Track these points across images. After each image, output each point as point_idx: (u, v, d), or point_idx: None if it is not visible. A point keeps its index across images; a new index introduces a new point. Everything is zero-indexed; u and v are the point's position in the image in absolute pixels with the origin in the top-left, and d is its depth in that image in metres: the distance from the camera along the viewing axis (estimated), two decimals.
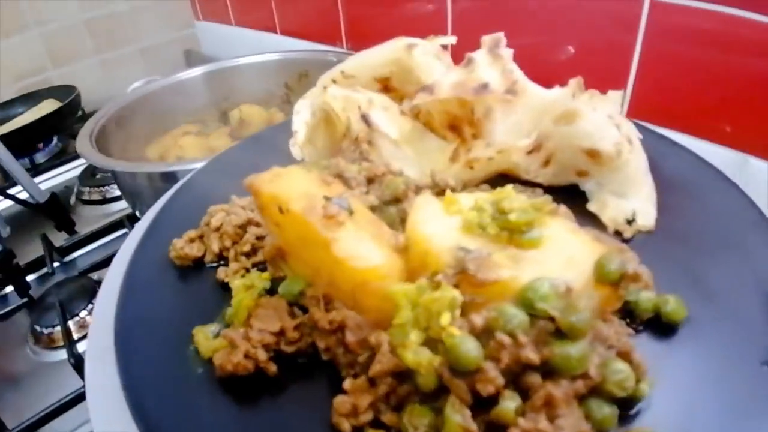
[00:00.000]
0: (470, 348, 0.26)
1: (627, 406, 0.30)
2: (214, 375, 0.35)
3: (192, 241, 0.43)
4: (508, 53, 0.44)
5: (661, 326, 0.36)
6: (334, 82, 0.56)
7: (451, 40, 0.52)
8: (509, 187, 0.33)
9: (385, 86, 0.53)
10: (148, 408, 0.33)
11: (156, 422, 0.32)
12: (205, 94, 1.10)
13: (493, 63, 0.43)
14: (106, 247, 0.98)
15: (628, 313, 0.35)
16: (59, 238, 0.99)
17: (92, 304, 0.83)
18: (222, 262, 0.43)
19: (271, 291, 0.38)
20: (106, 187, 1.09)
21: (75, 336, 0.78)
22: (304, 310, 0.34)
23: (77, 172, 1.17)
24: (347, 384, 0.29)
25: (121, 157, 0.96)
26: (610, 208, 0.44)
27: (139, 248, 0.46)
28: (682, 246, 0.42)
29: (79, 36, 1.29)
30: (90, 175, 1.13)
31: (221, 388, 0.34)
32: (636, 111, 0.77)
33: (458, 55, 0.93)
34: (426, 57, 0.48)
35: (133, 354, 0.37)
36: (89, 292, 0.84)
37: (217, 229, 0.43)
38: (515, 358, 0.26)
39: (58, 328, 0.78)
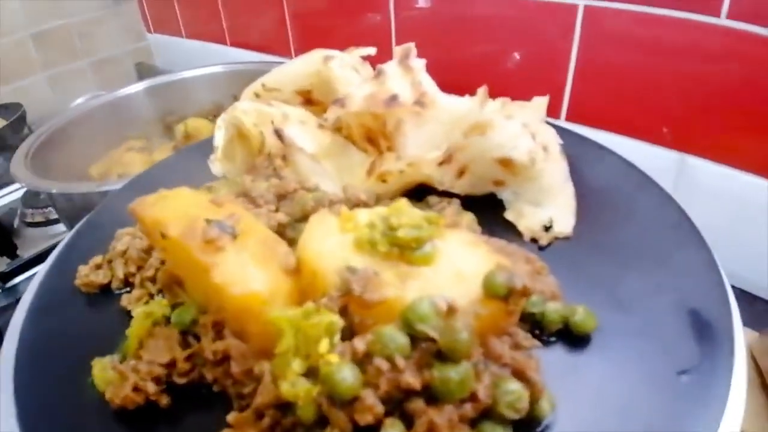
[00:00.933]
0: (346, 376, 0.25)
1: (529, 427, 0.29)
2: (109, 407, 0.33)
3: (99, 267, 0.41)
4: (418, 64, 0.43)
5: (572, 338, 0.35)
6: (257, 95, 0.55)
7: (370, 51, 0.51)
8: (403, 200, 0.32)
9: (308, 99, 0.52)
10: None
11: None
12: (150, 109, 1.07)
13: (404, 74, 0.43)
14: None
15: (536, 324, 0.35)
16: (1, 263, 0.96)
17: None
18: (128, 289, 0.41)
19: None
20: (49, 208, 1.05)
21: None
22: (197, 336, 0.33)
23: (21, 193, 1.14)
24: (231, 417, 0.28)
25: (64, 177, 0.93)
26: (526, 216, 0.43)
27: (48, 274, 0.44)
28: (599, 254, 0.41)
29: (26, 50, 1.26)
30: (33, 195, 1.09)
31: (117, 419, 0.33)
32: (575, 115, 0.77)
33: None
34: (343, 69, 0.47)
35: (30, 382, 0.35)
36: None
37: (123, 254, 0.41)
38: (395, 384, 0.25)
39: None
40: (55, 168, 0.91)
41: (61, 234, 1.02)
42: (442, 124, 0.40)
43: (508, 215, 0.44)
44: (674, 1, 0.62)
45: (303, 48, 1.11)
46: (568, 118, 0.78)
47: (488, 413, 0.27)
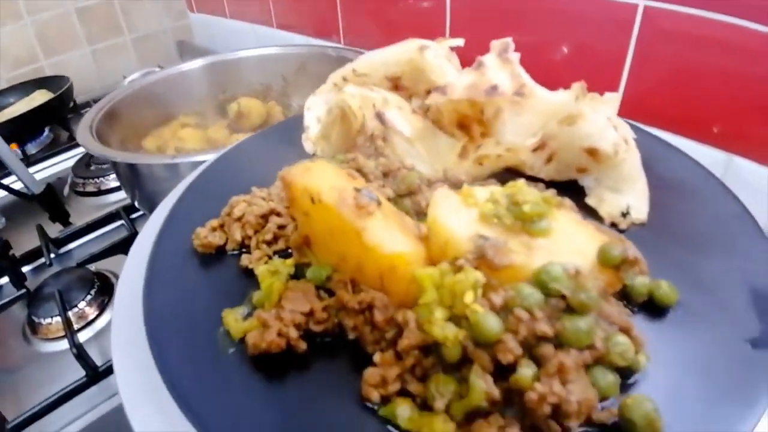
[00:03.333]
0: (492, 322, 0.30)
1: (626, 376, 0.34)
2: (244, 354, 0.38)
3: (214, 230, 0.46)
4: (516, 57, 0.48)
5: (654, 309, 0.40)
6: (345, 80, 0.60)
7: (458, 42, 0.56)
8: (521, 181, 0.37)
9: (396, 85, 0.57)
10: (184, 387, 0.36)
11: (193, 399, 0.35)
12: (203, 87, 1.13)
13: (502, 66, 0.47)
14: (102, 239, 1.00)
15: (625, 296, 0.40)
16: (54, 230, 1.01)
17: (90, 294, 0.85)
18: (243, 250, 0.46)
19: (295, 276, 0.41)
20: (101, 179, 1.11)
21: (75, 326, 0.80)
22: (330, 293, 0.38)
23: (70, 163, 1.19)
24: (377, 357, 0.33)
25: (120, 149, 0.98)
26: (606, 202, 0.48)
27: (159, 238, 0.49)
28: (672, 239, 0.46)
29: (71, 25, 1.31)
30: (84, 166, 1.15)
31: (253, 366, 0.38)
32: (627, 111, 0.81)
33: (458, 51, 0.97)
34: (437, 59, 0.52)
35: (165, 339, 0.40)
36: (88, 283, 0.87)
37: (239, 219, 0.46)
38: (531, 331, 0.30)
39: (57, 319, 0.80)
40: (112, 140, 0.96)
41: (113, 204, 1.07)
42: (537, 114, 0.45)
43: (590, 200, 0.49)
44: (731, 8, 0.67)
45: (352, 32, 1.16)
46: (621, 114, 0.82)
47: (599, 360, 0.32)
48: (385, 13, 1.07)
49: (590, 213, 0.49)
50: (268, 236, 0.44)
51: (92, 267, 0.91)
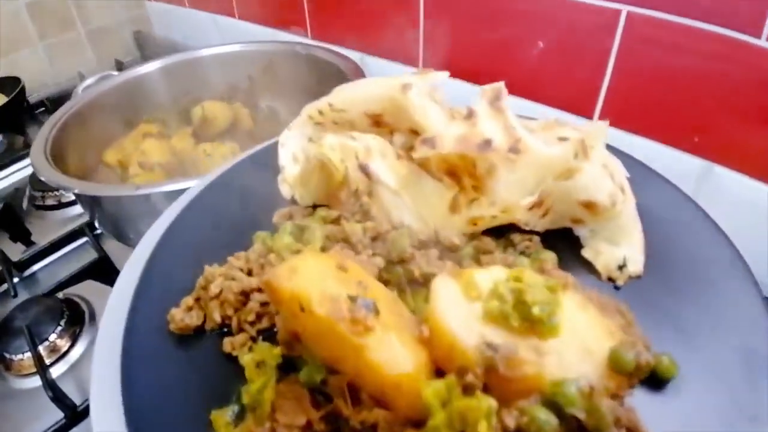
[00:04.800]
0: None
1: None
2: None
3: (190, 309, 0.41)
4: (509, 106, 0.43)
5: (652, 380, 0.38)
6: (321, 113, 0.54)
7: (443, 76, 0.50)
8: (526, 271, 0.33)
9: (376, 121, 0.51)
10: None
11: None
12: (164, 90, 1.03)
13: (495, 116, 0.43)
14: (68, 259, 0.93)
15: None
16: (15, 251, 0.93)
17: (60, 325, 0.79)
18: (225, 330, 0.41)
19: (284, 366, 0.37)
20: (62, 191, 1.02)
21: (47, 361, 0.75)
22: (325, 395, 0.34)
23: (28, 171, 1.09)
24: None
25: (79, 165, 0.90)
26: (603, 255, 0.45)
27: (131, 315, 0.43)
28: (666, 292, 0.44)
29: (22, 22, 1.17)
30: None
31: None
32: (609, 115, 0.78)
33: (432, 30, 0.91)
34: (422, 99, 0.47)
35: None
36: (57, 312, 0.80)
37: (217, 296, 0.41)
38: None
39: (29, 354, 0.74)
40: (70, 156, 0.88)
41: (76, 218, 0.99)
42: (532, 169, 0.41)
43: (586, 253, 0.46)
44: (717, 18, 0.63)
45: (320, 25, 1.08)
46: (601, 119, 0.79)
47: None
48: (355, 3, 0.99)
49: (586, 264, 0.46)
50: (251, 317, 0.40)
51: (60, 294, 0.85)
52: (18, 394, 0.74)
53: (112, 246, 0.89)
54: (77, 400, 0.68)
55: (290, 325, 0.34)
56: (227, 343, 0.39)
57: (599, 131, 0.46)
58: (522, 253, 0.44)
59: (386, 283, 0.41)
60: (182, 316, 0.40)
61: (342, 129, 0.54)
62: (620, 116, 0.77)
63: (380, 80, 0.50)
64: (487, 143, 0.41)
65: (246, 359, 0.37)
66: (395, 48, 0.98)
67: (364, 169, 0.44)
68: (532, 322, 0.31)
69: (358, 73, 0.88)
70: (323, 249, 0.40)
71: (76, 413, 0.68)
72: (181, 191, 0.66)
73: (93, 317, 0.83)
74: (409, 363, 0.29)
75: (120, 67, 1.27)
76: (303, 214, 0.48)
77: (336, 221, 0.44)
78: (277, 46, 1.04)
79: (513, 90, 0.85)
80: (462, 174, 0.45)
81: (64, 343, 0.78)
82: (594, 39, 0.74)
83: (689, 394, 0.37)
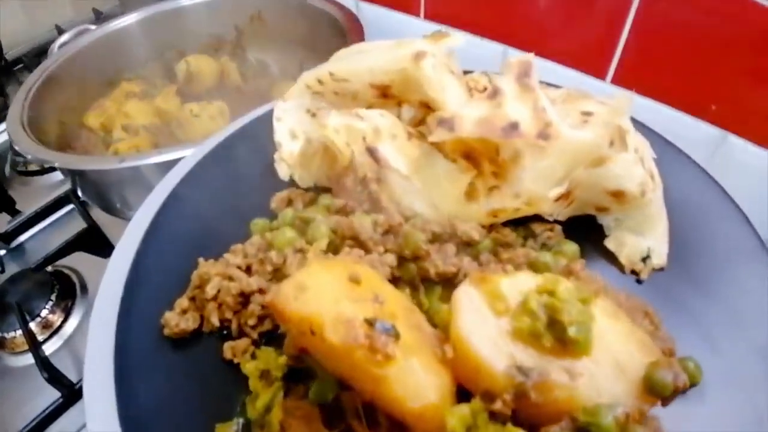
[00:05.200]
0: None
1: None
2: None
3: (185, 312, 0.37)
4: (537, 83, 0.37)
5: None
6: (321, 82, 0.48)
7: (458, 41, 0.44)
8: (560, 283, 0.29)
9: (384, 93, 0.46)
10: None
11: None
12: (145, 44, 0.95)
13: (522, 95, 0.37)
14: (55, 228, 0.88)
15: None
16: (0, 221, 0.88)
17: (51, 300, 0.75)
18: (224, 332, 0.38)
19: (290, 376, 0.34)
20: None
21: (39, 338, 0.71)
22: (336, 410, 0.31)
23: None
24: None
25: (59, 130, 0.83)
26: (627, 246, 0.41)
27: (122, 320, 0.38)
28: (690, 288, 0.41)
29: None
30: None
31: None
32: (622, 78, 0.73)
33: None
34: (437, 71, 0.41)
35: None
36: (47, 287, 0.76)
37: (214, 298, 0.37)
38: None
39: (20, 331, 0.71)
40: (49, 121, 0.81)
41: (61, 184, 0.93)
42: (561, 157, 0.36)
43: (609, 243, 0.42)
44: None
45: None
46: (614, 81, 0.73)
47: None
48: None
49: (608, 255, 0.43)
50: (252, 321, 0.36)
51: (49, 267, 0.81)
52: (14, 372, 0.71)
53: (99, 214, 0.84)
54: (73, 377, 0.66)
55: (299, 342, 0.30)
56: (228, 350, 0.36)
57: (625, 105, 0.40)
58: (544, 245, 0.41)
59: (398, 280, 0.37)
60: (177, 320, 0.37)
61: (343, 100, 0.48)
62: (636, 79, 0.71)
63: (388, 47, 0.44)
64: (513, 127, 0.36)
65: (249, 368, 0.34)
66: None
67: (372, 153, 0.39)
68: (565, 342, 0.28)
69: (355, 23, 0.80)
70: (330, 246, 0.36)
71: (74, 391, 0.65)
72: (169, 163, 0.61)
73: (85, 289, 0.79)
74: (433, 393, 0.26)
75: (99, 17, 1.16)
76: (304, 199, 0.44)
77: (342, 211, 0.40)
78: None
79: (517, 42, 0.80)
80: (481, 158, 0.40)
81: (56, 318, 0.75)
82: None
83: (713, 401, 0.35)
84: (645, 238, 0.41)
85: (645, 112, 0.53)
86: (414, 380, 0.26)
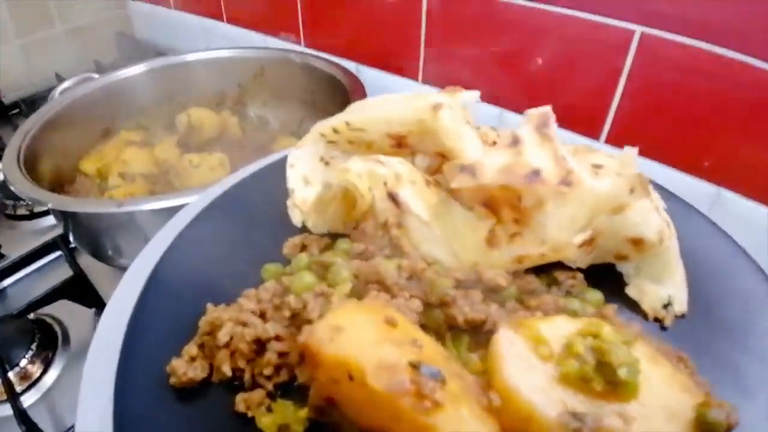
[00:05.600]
0: None
1: None
2: None
3: (193, 359, 0.34)
4: (556, 133, 0.38)
5: None
6: (336, 131, 0.48)
7: (474, 96, 0.45)
8: (605, 328, 0.28)
9: (399, 143, 0.45)
10: None
11: None
12: (147, 95, 0.95)
13: (542, 144, 0.37)
14: (40, 275, 0.84)
15: None
16: None
17: (32, 350, 0.70)
18: (235, 383, 0.35)
19: (310, 430, 0.31)
20: None
21: (17, 388, 0.66)
22: None
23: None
24: None
25: (53, 174, 0.81)
26: (648, 295, 0.40)
27: (123, 367, 0.35)
28: (713, 333, 0.40)
29: None
30: None
31: None
32: (616, 137, 0.75)
33: (434, 42, 0.85)
34: (455, 122, 0.41)
35: None
36: (28, 335, 0.71)
37: (227, 345, 0.34)
38: None
39: None
40: (44, 164, 0.79)
41: (49, 230, 0.90)
42: (585, 205, 0.36)
43: (630, 292, 0.41)
44: (733, 42, 0.60)
45: (314, 31, 1.00)
46: (609, 141, 0.75)
47: None
48: (351, 8, 0.93)
49: (630, 302, 0.41)
50: (268, 370, 0.33)
51: (31, 314, 0.76)
52: None
53: (88, 261, 0.80)
54: None
55: (326, 391, 0.28)
56: (241, 402, 0.33)
57: (631, 159, 0.41)
58: (568, 292, 0.39)
59: (423, 328, 0.35)
60: (185, 368, 0.33)
61: (357, 149, 0.48)
62: (629, 138, 0.73)
63: (405, 99, 0.44)
64: (535, 174, 0.36)
65: (266, 422, 0.31)
66: (394, 59, 0.92)
67: (393, 198, 0.38)
68: (614, 385, 0.26)
69: (358, 85, 0.82)
70: (352, 291, 0.34)
71: None
72: (169, 210, 0.58)
73: (67, 340, 0.74)
74: None
75: (100, 68, 1.17)
76: (319, 245, 0.42)
77: (362, 256, 0.38)
78: (270, 53, 0.97)
79: (512, 105, 0.82)
80: (500, 205, 0.39)
81: (35, 369, 0.70)
82: (605, 58, 0.70)
83: None
84: (664, 286, 0.40)
85: (640, 169, 0.54)
86: (464, 429, 0.24)
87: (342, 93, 0.84)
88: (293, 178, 0.46)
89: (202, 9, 1.16)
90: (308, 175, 0.47)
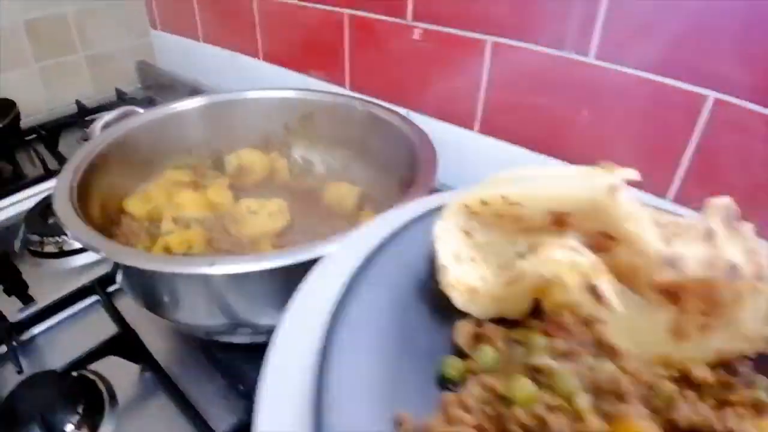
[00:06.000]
0: None
1: None
2: None
3: None
4: (746, 227, 0.37)
5: None
6: (485, 204, 0.45)
7: (633, 173, 0.43)
8: None
9: (559, 220, 0.43)
10: None
11: None
12: (195, 134, 0.89)
13: (733, 237, 0.36)
14: (74, 321, 0.75)
15: None
16: (10, 306, 0.74)
17: (78, 413, 0.62)
18: None
19: None
20: (64, 237, 0.84)
21: None
22: None
23: (18, 208, 0.89)
24: None
25: (101, 216, 0.73)
26: None
27: None
28: None
29: (18, 39, 0.98)
30: (40, 216, 0.86)
31: None
32: (685, 197, 0.75)
33: (494, 93, 0.83)
34: (632, 204, 0.40)
35: None
36: (72, 396, 0.63)
37: None
38: None
39: None
40: (93, 207, 0.71)
41: (81, 270, 0.81)
42: None
43: None
44: None
45: (360, 76, 0.98)
46: (676, 200, 0.75)
47: None
48: (404, 57, 0.91)
49: None
50: None
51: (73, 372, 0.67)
52: None
53: (128, 308, 0.73)
54: None
55: None
56: None
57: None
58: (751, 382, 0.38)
59: None
60: None
61: (504, 223, 0.45)
62: (699, 198, 0.73)
63: (576, 177, 0.42)
64: (733, 269, 0.35)
65: None
66: (448, 108, 0.91)
67: (593, 291, 0.36)
68: None
69: (424, 140, 0.79)
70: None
71: None
72: (271, 272, 0.52)
73: (114, 400, 0.66)
74: None
75: (122, 97, 1.09)
76: (500, 336, 0.39)
77: (568, 355, 0.35)
78: (320, 96, 0.93)
79: (575, 157, 0.81)
80: (687, 296, 0.38)
81: None
82: (676, 121, 0.70)
83: None
84: None
85: None
86: None
87: (402, 142, 0.81)
88: (444, 255, 0.43)
89: (236, 44, 1.11)
90: (459, 250, 0.44)
